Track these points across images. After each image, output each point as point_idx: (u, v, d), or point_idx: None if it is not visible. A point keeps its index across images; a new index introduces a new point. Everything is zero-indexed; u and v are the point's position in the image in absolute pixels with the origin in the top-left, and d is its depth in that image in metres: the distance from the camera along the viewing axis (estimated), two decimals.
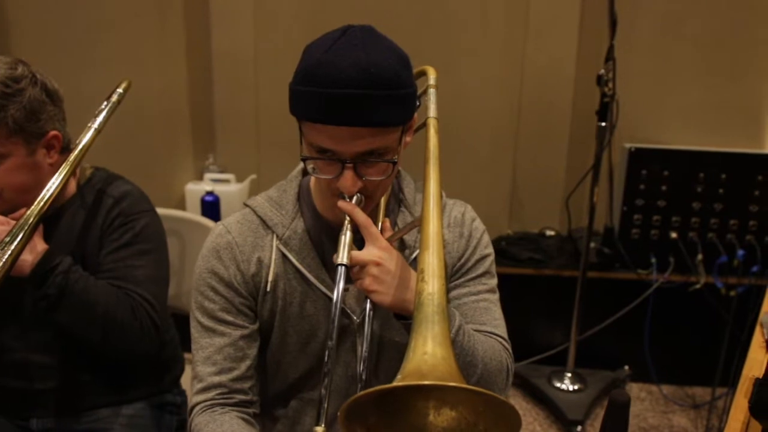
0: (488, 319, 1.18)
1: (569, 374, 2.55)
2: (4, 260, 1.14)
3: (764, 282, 2.43)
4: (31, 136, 1.27)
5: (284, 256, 1.14)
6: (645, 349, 2.55)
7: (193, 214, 2.40)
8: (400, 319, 1.04)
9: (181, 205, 2.81)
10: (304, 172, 1.21)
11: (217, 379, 1.14)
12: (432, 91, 1.13)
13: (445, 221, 1.20)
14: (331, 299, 1.13)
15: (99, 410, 1.45)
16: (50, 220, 1.33)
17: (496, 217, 2.80)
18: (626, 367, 2.63)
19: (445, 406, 0.83)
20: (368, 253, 1.00)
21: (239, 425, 1.11)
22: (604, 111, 2.25)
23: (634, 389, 2.63)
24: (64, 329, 1.31)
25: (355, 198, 1.03)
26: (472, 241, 1.21)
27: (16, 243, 1.17)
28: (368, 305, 1.08)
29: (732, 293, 2.46)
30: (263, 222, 1.16)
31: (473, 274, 1.20)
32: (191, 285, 1.70)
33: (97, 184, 1.42)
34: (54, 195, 1.25)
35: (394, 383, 0.76)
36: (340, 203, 1.02)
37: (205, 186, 2.75)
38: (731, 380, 2.42)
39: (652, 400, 2.58)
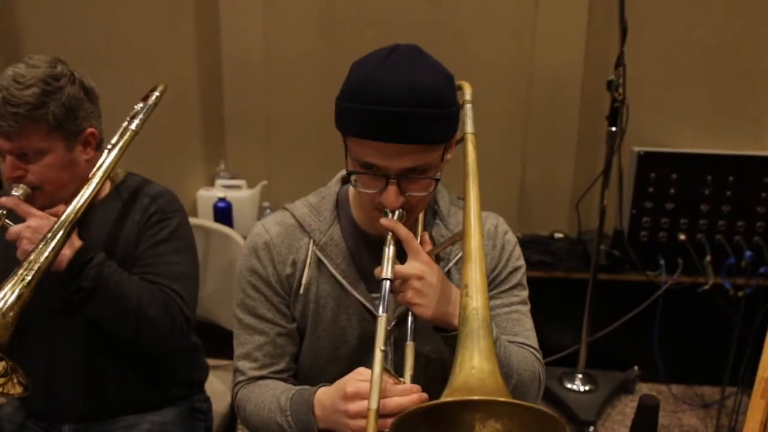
0: (520, 330, 1.21)
1: (580, 375, 2.59)
2: (46, 255, 1.19)
3: None
4: (69, 133, 1.31)
5: (319, 261, 1.18)
6: (654, 349, 2.59)
7: (205, 220, 2.44)
8: (440, 332, 1.07)
9: (193, 211, 2.83)
10: (344, 181, 1.24)
11: (257, 373, 1.20)
12: (468, 107, 1.17)
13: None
14: (365, 307, 1.17)
15: (127, 417, 1.48)
16: (83, 217, 1.36)
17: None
18: (635, 368, 2.67)
19: (491, 418, 0.85)
20: (411, 266, 1.03)
21: (283, 384, 1.17)
22: (615, 116, 2.28)
23: (643, 389, 2.67)
24: (96, 324, 1.34)
25: (396, 213, 1.05)
26: (504, 253, 1.24)
27: (57, 239, 1.22)
28: (410, 318, 1.10)
29: (740, 294, 2.50)
30: (300, 226, 1.20)
31: (506, 286, 1.24)
32: (209, 292, 1.74)
33: (132, 185, 1.46)
34: (94, 193, 1.30)
35: (446, 398, 0.78)
36: (383, 221, 1.05)
37: (217, 192, 2.78)
38: (740, 380, 2.46)
39: (662, 400, 2.62)
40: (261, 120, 2.87)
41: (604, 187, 2.37)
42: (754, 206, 2.54)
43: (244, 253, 1.21)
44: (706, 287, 2.51)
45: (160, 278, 1.38)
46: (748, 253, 2.51)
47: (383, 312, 0.98)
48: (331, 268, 1.17)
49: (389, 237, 1.04)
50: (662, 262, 2.56)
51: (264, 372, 1.20)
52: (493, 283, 1.23)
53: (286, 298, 1.20)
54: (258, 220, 1.26)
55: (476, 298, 0.95)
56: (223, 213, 2.73)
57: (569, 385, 2.57)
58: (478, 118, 1.07)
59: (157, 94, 1.50)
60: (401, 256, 1.06)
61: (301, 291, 1.18)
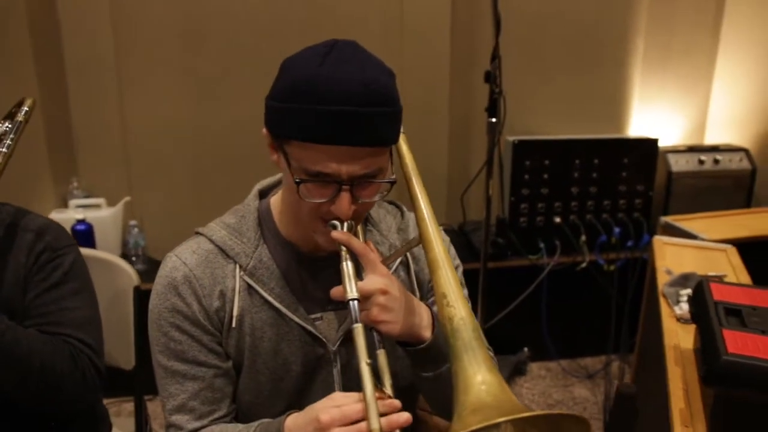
0: None
1: None
2: None
3: (638, 254, 2.68)
4: None
5: (249, 287, 1.05)
6: (543, 329, 2.70)
7: None
8: (406, 347, 1.00)
9: None
10: (261, 195, 1.12)
11: (198, 423, 1.04)
12: None
13: (412, 234, 1.17)
14: (306, 330, 1.07)
15: None
16: None
17: None
18: (525, 349, 2.78)
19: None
20: (372, 281, 0.94)
21: (233, 425, 1.05)
22: (494, 107, 2.33)
23: (534, 368, 2.78)
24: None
25: (346, 224, 0.96)
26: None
27: None
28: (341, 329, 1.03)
29: (612, 268, 2.68)
30: (221, 251, 1.06)
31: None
32: None
33: (6, 219, 1.21)
34: None
35: (488, 422, 0.72)
36: (336, 234, 0.95)
37: (73, 214, 2.47)
38: (620, 347, 2.64)
39: (552, 377, 2.75)
40: (116, 130, 2.60)
41: (488, 177, 2.41)
42: (617, 185, 2.73)
43: (159, 291, 1.04)
44: (584, 265, 2.66)
45: (61, 328, 1.16)
46: (616, 230, 2.70)
47: (357, 323, 0.90)
48: (264, 294, 1.05)
49: (344, 252, 0.95)
50: (542, 245, 2.68)
51: (204, 422, 1.05)
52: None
53: (217, 335, 1.05)
54: (157, 253, 1.10)
55: (459, 307, 0.90)
56: (84, 236, 2.43)
57: None
58: None
59: (26, 109, 1.27)
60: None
61: (234, 324, 1.04)
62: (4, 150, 1.19)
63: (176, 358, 1.04)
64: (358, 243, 0.95)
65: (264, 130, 0.98)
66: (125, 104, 2.58)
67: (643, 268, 2.65)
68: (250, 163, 2.69)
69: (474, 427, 0.73)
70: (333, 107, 0.87)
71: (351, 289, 0.92)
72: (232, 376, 1.08)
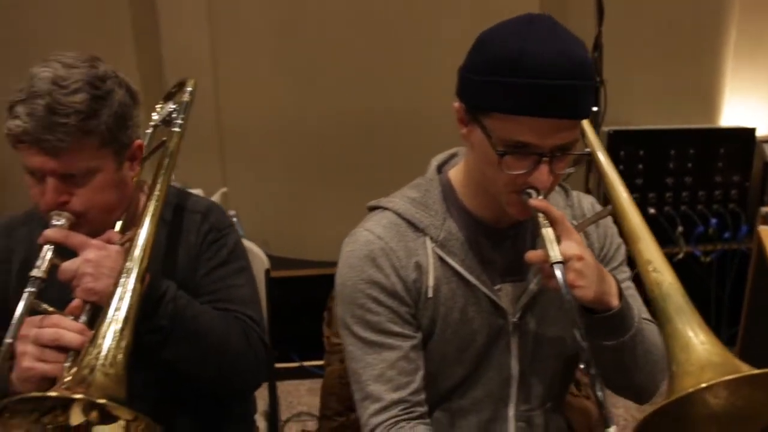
0: (638, 305, 1.17)
1: None
2: (131, 287, 0.96)
3: (736, 246, 2.63)
4: (120, 147, 1.10)
5: (440, 259, 1.08)
6: None
7: None
8: (593, 314, 1.00)
9: None
10: (439, 169, 1.15)
11: (396, 395, 1.05)
12: None
13: (579, 211, 1.19)
14: (491, 300, 1.09)
15: None
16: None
17: None
18: None
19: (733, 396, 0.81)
20: (569, 247, 0.96)
21: None
22: (596, 96, 2.33)
23: None
24: (174, 368, 1.12)
25: (542, 193, 0.98)
26: (608, 230, 1.20)
27: (134, 278, 0.99)
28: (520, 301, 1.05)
29: (708, 259, 2.64)
30: (410, 224, 1.09)
31: (615, 263, 1.19)
32: None
33: (173, 200, 1.24)
34: (159, 211, 1.08)
35: (730, 375, 0.73)
36: (534, 201, 0.97)
37: None
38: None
39: None
40: (211, 121, 2.66)
41: (588, 169, 2.41)
42: (712, 176, 2.69)
43: (354, 264, 1.07)
44: (680, 256, 2.63)
45: (230, 305, 1.18)
46: (713, 221, 2.66)
47: (565, 287, 0.90)
48: (455, 265, 1.07)
49: (541, 218, 0.96)
50: None
51: (403, 394, 1.06)
52: (605, 260, 1.18)
53: (412, 306, 1.08)
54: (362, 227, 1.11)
55: (666, 273, 0.91)
56: None
57: None
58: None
59: (190, 89, 1.31)
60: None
61: (430, 294, 1.07)
62: (177, 129, 1.23)
63: (373, 330, 1.06)
64: (555, 210, 0.97)
65: (456, 104, 1.01)
66: (220, 96, 2.63)
67: (741, 260, 2.61)
68: (345, 152, 2.74)
69: (715, 381, 0.73)
70: (540, 80, 0.90)
71: (555, 252, 0.93)
72: (422, 348, 1.10)
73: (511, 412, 1.15)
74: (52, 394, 0.82)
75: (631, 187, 2.64)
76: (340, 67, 2.60)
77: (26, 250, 1.18)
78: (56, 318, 0.98)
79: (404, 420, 1.05)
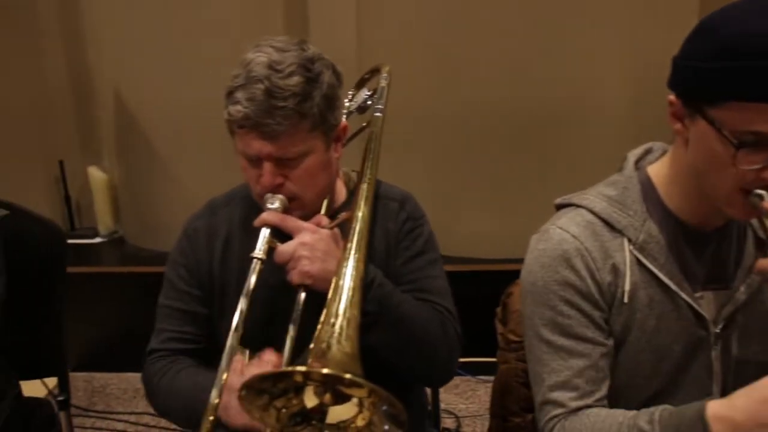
0: None
1: None
2: (352, 271, 0.98)
3: None
4: (329, 128, 1.12)
5: (639, 262, 1.02)
6: None
7: None
8: None
9: None
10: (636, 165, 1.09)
11: (581, 402, 1.01)
12: None
13: None
14: (692, 309, 1.03)
15: None
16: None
17: None
18: None
19: None
20: None
21: (621, 411, 1.01)
22: None
23: None
24: (373, 354, 1.11)
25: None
26: None
27: (355, 259, 1.00)
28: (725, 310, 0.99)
29: None
30: (607, 224, 1.03)
31: None
32: None
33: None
34: (372, 194, 1.12)
35: None
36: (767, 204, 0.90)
37: None
38: None
39: None
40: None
41: None
42: None
43: (546, 263, 1.03)
44: None
45: (428, 295, 1.18)
46: None
47: None
48: (654, 269, 1.01)
49: None
50: None
51: (588, 401, 1.01)
52: None
53: (606, 310, 1.03)
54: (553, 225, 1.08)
55: None
56: None
57: None
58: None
59: (385, 75, 1.33)
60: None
61: (626, 299, 1.01)
62: (378, 115, 1.24)
63: (562, 333, 1.02)
64: None
65: (671, 97, 0.95)
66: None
67: None
68: (494, 146, 2.62)
69: None
70: None
71: None
72: (612, 356, 1.05)
73: None
74: (300, 368, 0.83)
75: None
76: (492, 58, 2.47)
77: (227, 230, 1.23)
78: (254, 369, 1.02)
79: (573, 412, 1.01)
